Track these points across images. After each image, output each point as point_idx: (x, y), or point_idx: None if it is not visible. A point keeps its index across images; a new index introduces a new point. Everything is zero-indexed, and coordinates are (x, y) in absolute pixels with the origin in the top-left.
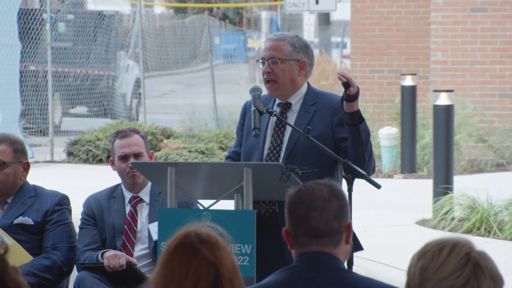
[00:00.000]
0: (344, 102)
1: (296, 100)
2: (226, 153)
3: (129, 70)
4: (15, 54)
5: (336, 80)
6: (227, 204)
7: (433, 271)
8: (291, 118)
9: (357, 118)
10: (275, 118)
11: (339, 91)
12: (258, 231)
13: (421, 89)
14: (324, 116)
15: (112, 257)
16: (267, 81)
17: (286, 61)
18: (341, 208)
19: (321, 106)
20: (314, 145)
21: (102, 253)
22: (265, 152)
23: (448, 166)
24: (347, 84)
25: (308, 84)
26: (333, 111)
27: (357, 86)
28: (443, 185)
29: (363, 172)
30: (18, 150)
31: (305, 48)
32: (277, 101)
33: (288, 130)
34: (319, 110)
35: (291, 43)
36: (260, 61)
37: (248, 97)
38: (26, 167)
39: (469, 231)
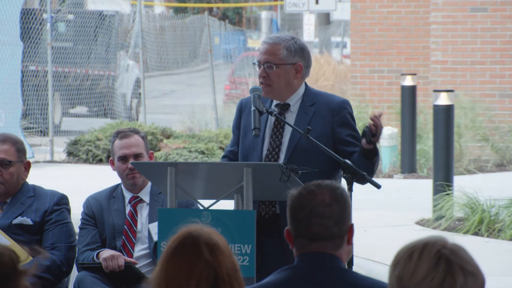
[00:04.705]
0: (364, 140)
1: (294, 101)
2: None
3: (129, 70)
4: (17, 53)
5: (335, 80)
6: (227, 204)
7: (407, 278)
8: (290, 119)
9: (373, 152)
10: (273, 118)
11: (339, 91)
12: (258, 232)
13: (421, 89)
14: (324, 117)
15: (110, 259)
16: (262, 84)
17: (281, 65)
18: (342, 213)
19: (320, 107)
20: (315, 146)
21: (98, 253)
22: (264, 152)
23: (448, 166)
24: (374, 134)
25: (306, 84)
26: (332, 112)
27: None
28: (443, 185)
29: (363, 173)
30: (21, 149)
31: (301, 50)
32: (275, 101)
33: (288, 131)
34: (318, 111)
35: (286, 47)
36: (256, 63)
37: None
38: (27, 166)
39: (469, 231)
